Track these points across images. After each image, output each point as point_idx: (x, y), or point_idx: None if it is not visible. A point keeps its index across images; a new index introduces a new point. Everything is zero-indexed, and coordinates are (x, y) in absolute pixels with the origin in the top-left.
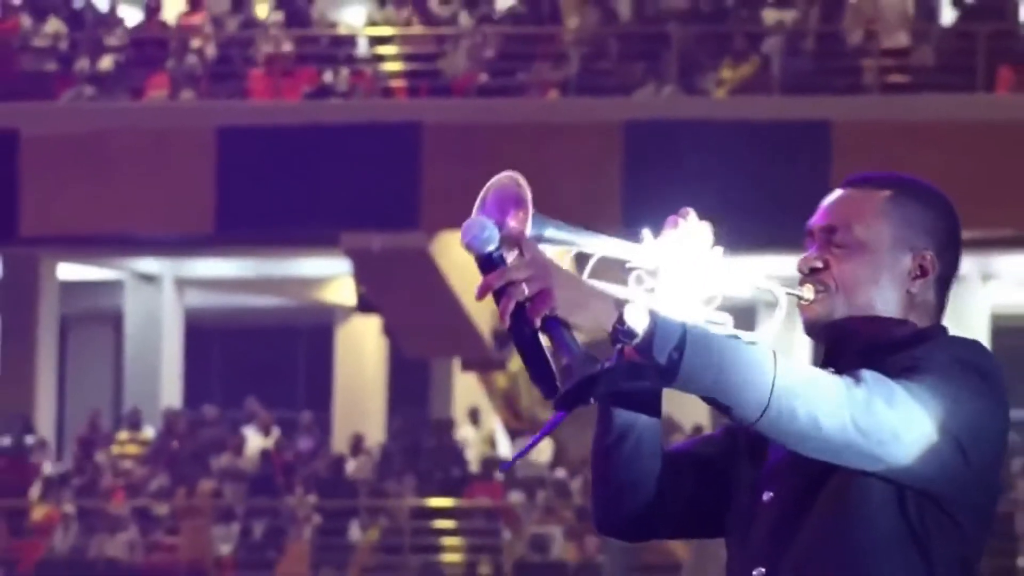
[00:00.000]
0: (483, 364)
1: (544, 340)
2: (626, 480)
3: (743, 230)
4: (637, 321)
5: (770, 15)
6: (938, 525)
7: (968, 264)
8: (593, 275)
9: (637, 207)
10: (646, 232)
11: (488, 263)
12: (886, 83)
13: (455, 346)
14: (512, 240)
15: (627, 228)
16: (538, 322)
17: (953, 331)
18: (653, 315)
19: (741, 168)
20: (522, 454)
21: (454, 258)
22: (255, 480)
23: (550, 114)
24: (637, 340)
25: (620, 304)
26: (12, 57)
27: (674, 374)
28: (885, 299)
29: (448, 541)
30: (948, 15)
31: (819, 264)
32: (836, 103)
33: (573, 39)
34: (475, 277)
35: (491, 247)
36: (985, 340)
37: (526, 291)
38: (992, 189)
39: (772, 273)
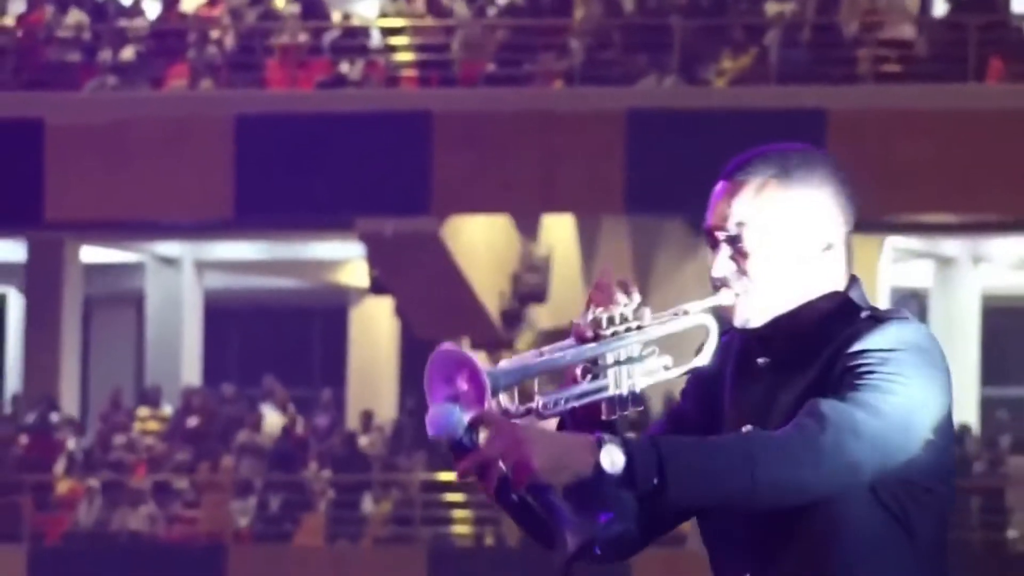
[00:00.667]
0: (491, 343)
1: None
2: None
3: None
4: (613, 462)
5: (769, 7)
6: (913, 499)
7: (959, 248)
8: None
9: (640, 194)
10: (575, 323)
11: (460, 447)
12: (880, 73)
13: (464, 326)
14: (477, 419)
15: (630, 214)
16: (523, 491)
17: (945, 315)
18: (628, 450)
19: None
20: None
21: (464, 242)
22: (272, 455)
23: (555, 103)
24: (617, 479)
25: (595, 451)
26: (37, 48)
27: (660, 496)
28: (800, 281)
29: (457, 514)
30: (941, 7)
31: (731, 268)
32: (832, 92)
33: (578, 31)
34: (484, 259)
35: (460, 432)
36: (976, 321)
37: (504, 468)
38: (983, 175)
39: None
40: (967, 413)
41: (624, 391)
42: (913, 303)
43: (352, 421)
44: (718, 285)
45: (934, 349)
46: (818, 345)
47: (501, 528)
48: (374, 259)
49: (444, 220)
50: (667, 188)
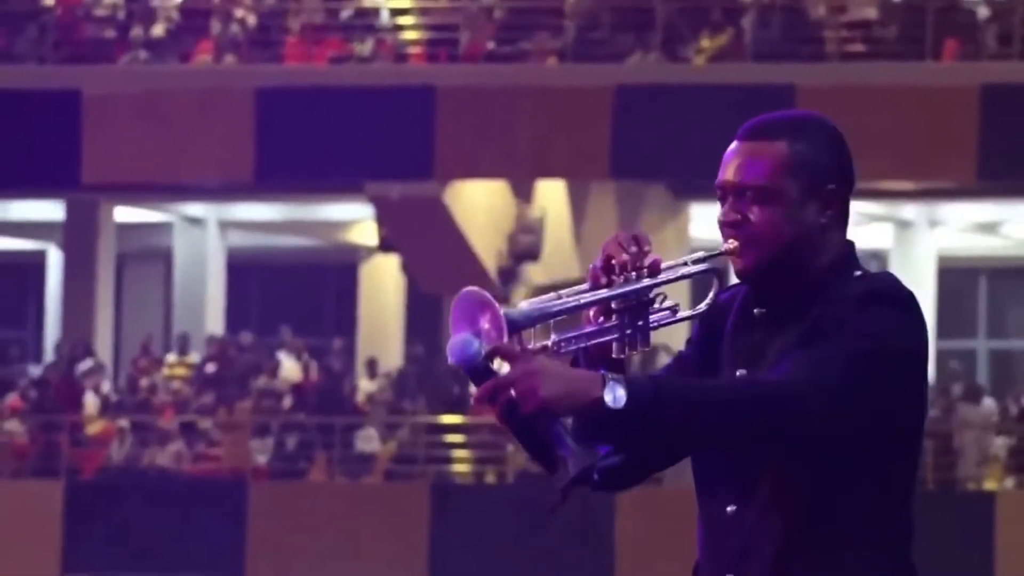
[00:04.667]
0: None
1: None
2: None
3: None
4: (615, 398)
5: None
6: (880, 446)
7: (916, 212)
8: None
9: (626, 161)
10: (592, 267)
11: (477, 374)
12: (845, 52)
13: (464, 282)
14: (494, 351)
15: (616, 179)
16: (530, 418)
17: (903, 274)
18: (629, 389)
19: (717, 127)
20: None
21: (464, 205)
22: (289, 399)
23: (549, 79)
24: (617, 414)
25: (599, 387)
26: (75, 25)
27: (655, 435)
28: (801, 237)
29: (458, 453)
30: None
31: (737, 218)
32: (801, 70)
33: (570, 12)
34: (483, 220)
35: (477, 360)
36: (932, 280)
37: (515, 395)
38: (938, 146)
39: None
40: None
41: (633, 332)
42: (874, 263)
43: (361, 368)
44: (725, 236)
45: (915, 308)
46: (811, 298)
47: (504, 467)
48: (382, 220)
49: (446, 185)
50: (650, 156)
